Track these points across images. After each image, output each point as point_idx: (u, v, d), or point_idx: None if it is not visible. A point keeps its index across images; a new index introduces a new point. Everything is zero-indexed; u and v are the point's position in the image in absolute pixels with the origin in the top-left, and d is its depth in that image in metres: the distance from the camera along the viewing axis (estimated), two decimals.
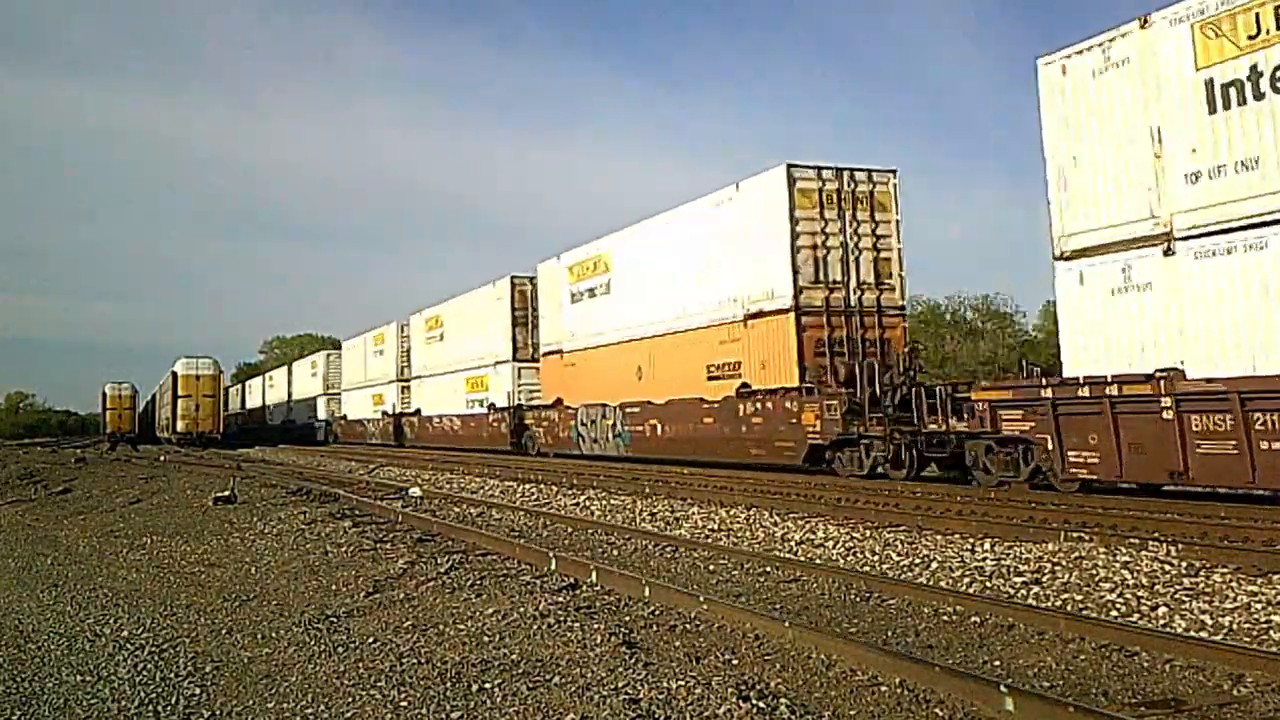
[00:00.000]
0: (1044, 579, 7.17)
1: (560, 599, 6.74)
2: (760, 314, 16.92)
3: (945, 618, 6.10)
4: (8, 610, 7.40)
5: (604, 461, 21.48)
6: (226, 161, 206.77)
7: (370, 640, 5.80)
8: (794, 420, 15.89)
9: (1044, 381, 11.50)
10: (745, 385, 17.24)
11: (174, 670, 5.40)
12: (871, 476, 14.55)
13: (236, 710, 4.66)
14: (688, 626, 5.96)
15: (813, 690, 4.64)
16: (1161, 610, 6.13)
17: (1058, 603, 6.51)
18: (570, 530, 10.97)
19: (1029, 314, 46.63)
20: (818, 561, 8.31)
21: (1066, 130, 11.43)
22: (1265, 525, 8.71)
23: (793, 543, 9.53)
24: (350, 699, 4.71)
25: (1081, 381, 10.90)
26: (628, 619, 6.20)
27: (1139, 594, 6.55)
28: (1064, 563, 7.62)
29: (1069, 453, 11.02)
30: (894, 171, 17.00)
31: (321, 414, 49.67)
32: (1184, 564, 7.34)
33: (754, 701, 4.29)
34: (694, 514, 11.90)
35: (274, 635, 6.10)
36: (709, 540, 9.76)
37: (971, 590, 6.94)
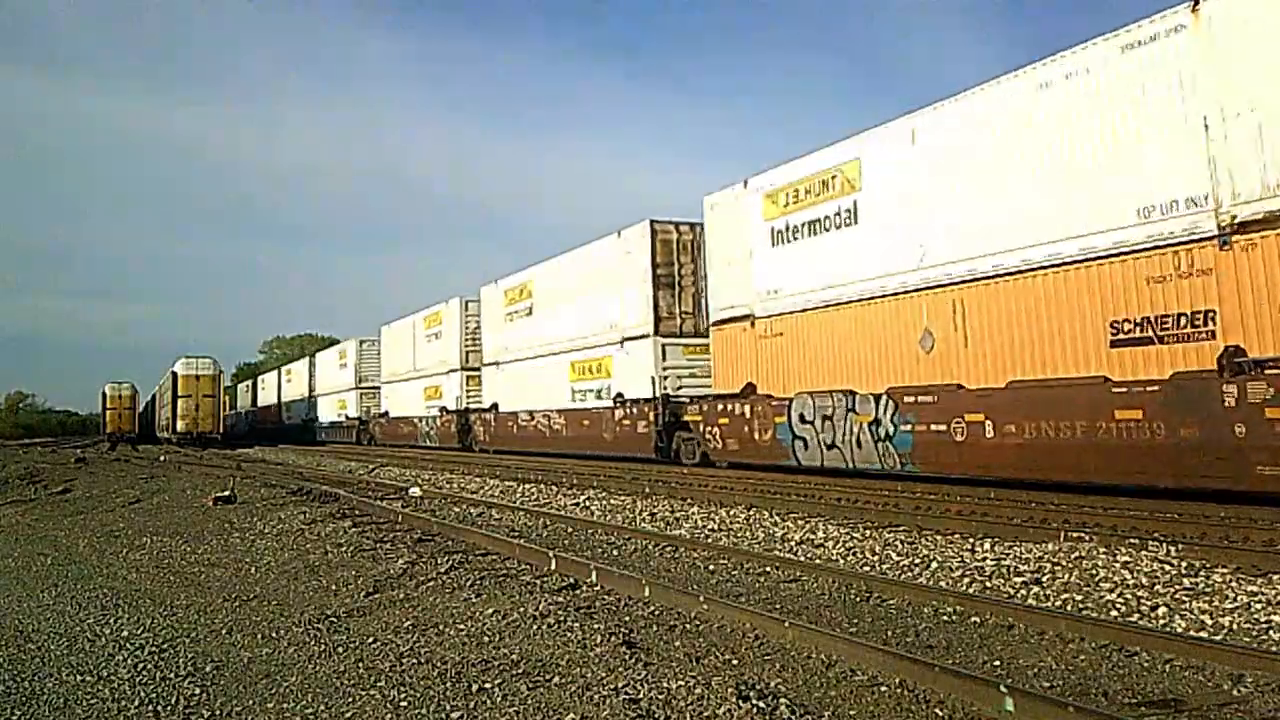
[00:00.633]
0: (1044, 579, 7.17)
1: (560, 599, 6.74)
2: None
3: (945, 618, 6.10)
4: (8, 610, 7.40)
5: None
6: (227, 161, 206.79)
7: (370, 640, 5.80)
8: None
9: None
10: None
11: (174, 670, 5.40)
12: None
13: (236, 710, 4.66)
14: (688, 626, 5.96)
15: (813, 690, 4.64)
16: (1161, 610, 6.13)
17: (1058, 603, 6.51)
18: (570, 530, 10.97)
19: None
20: (818, 561, 8.30)
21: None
22: (1265, 525, 8.71)
23: (793, 543, 9.53)
24: (350, 699, 4.71)
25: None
26: (628, 619, 6.20)
27: (1139, 594, 6.55)
28: (1064, 563, 7.62)
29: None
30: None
31: (353, 411, 43.30)
32: (1184, 564, 7.34)
33: (754, 701, 4.29)
34: (694, 514, 11.90)
35: (274, 635, 6.10)
36: (709, 540, 9.76)
37: (971, 590, 6.94)
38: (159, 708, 4.75)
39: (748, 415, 16.72)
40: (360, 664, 5.31)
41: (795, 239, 15.97)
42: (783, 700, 4.36)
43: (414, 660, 5.31)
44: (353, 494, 15.53)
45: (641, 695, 4.49)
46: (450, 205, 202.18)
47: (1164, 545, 7.97)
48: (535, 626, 5.91)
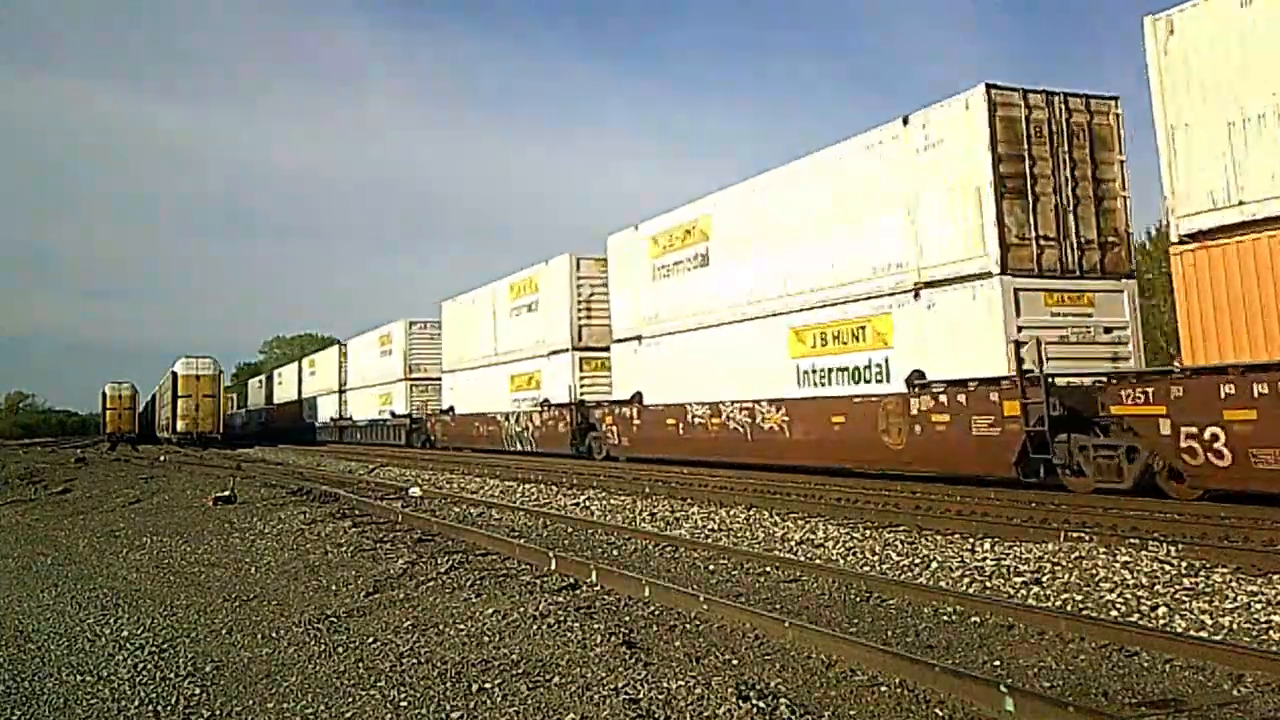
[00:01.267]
0: (1044, 579, 7.17)
1: (560, 599, 6.74)
2: None
3: (945, 618, 6.10)
4: (8, 610, 7.40)
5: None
6: (227, 162, 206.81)
7: (370, 640, 5.80)
8: None
9: None
10: None
11: (174, 670, 5.40)
12: None
13: (236, 710, 4.66)
14: (688, 626, 5.96)
15: (813, 690, 4.64)
16: (1161, 610, 6.13)
17: (1058, 603, 6.51)
18: (570, 530, 10.97)
19: None
20: (818, 561, 8.30)
21: None
22: (1265, 525, 8.71)
23: (793, 543, 9.53)
24: (350, 699, 4.71)
25: None
26: (628, 619, 6.20)
27: (1139, 594, 6.55)
28: (1064, 563, 7.62)
29: None
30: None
31: (400, 407, 36.71)
32: (1184, 564, 7.34)
33: (754, 701, 4.29)
34: (694, 514, 11.90)
35: (274, 635, 6.10)
36: (709, 540, 9.76)
37: (971, 590, 6.94)
38: (159, 708, 4.75)
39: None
40: (360, 664, 5.31)
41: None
42: (783, 700, 4.36)
43: (414, 660, 5.31)
44: (353, 494, 15.53)
45: (641, 695, 4.49)
46: (450, 205, 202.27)
47: (1164, 545, 7.97)
48: (535, 626, 5.91)
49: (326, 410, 48.71)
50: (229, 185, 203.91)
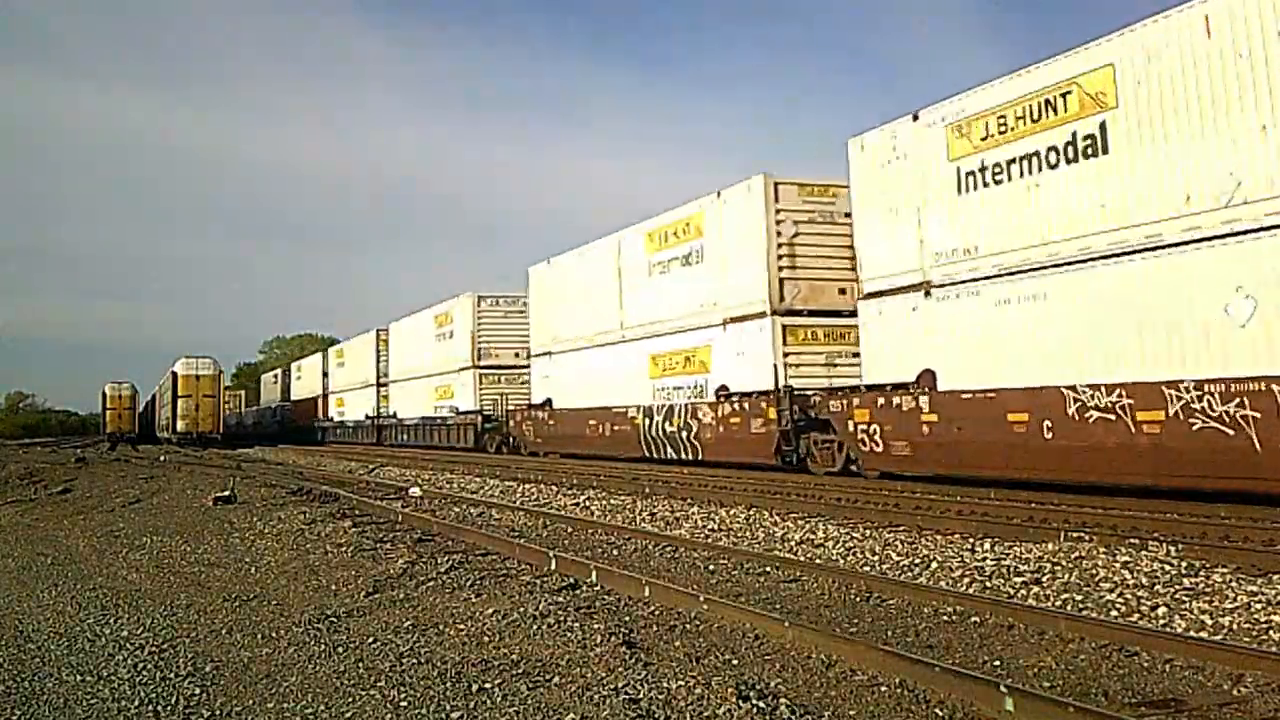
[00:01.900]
0: (1044, 579, 7.17)
1: (560, 599, 6.74)
2: None
3: (945, 618, 6.09)
4: (8, 610, 7.40)
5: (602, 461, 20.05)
6: (227, 161, 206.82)
7: (370, 640, 5.80)
8: None
9: None
10: None
11: (174, 670, 5.39)
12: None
13: (236, 710, 4.66)
14: (688, 626, 5.96)
15: (813, 690, 4.64)
16: (1161, 610, 6.12)
17: (1058, 603, 6.51)
18: (570, 530, 10.98)
19: None
20: (818, 561, 8.30)
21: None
22: (1265, 525, 8.71)
23: (793, 543, 9.53)
24: (350, 699, 4.70)
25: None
26: (628, 619, 6.20)
27: (1139, 594, 6.55)
28: (1064, 563, 7.62)
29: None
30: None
31: (467, 402, 30.22)
32: (1184, 564, 7.33)
33: (754, 701, 4.29)
34: (694, 514, 11.90)
35: (274, 635, 6.10)
36: (709, 540, 9.76)
37: (971, 590, 6.94)
38: (159, 708, 4.75)
39: None
40: (360, 664, 5.30)
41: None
42: (783, 700, 4.36)
43: (414, 660, 5.31)
44: (353, 494, 15.54)
45: (641, 695, 4.48)
46: (449, 205, 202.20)
47: (1164, 545, 7.97)
48: (535, 626, 5.91)
49: (359, 406, 42.25)
50: (229, 185, 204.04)
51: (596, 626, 5.78)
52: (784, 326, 16.54)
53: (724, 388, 17.87)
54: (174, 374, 49.67)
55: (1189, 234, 10.02)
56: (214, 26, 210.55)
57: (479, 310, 30.69)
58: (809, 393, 15.86)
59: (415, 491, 16.38)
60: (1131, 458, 10.58)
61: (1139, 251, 10.53)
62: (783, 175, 17.08)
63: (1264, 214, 9.43)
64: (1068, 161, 11.41)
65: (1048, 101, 11.66)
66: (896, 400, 13.67)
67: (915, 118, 13.73)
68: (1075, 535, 8.57)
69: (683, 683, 4.60)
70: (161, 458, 32.03)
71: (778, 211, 16.79)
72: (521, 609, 6.34)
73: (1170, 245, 10.20)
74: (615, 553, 9.25)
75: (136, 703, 4.84)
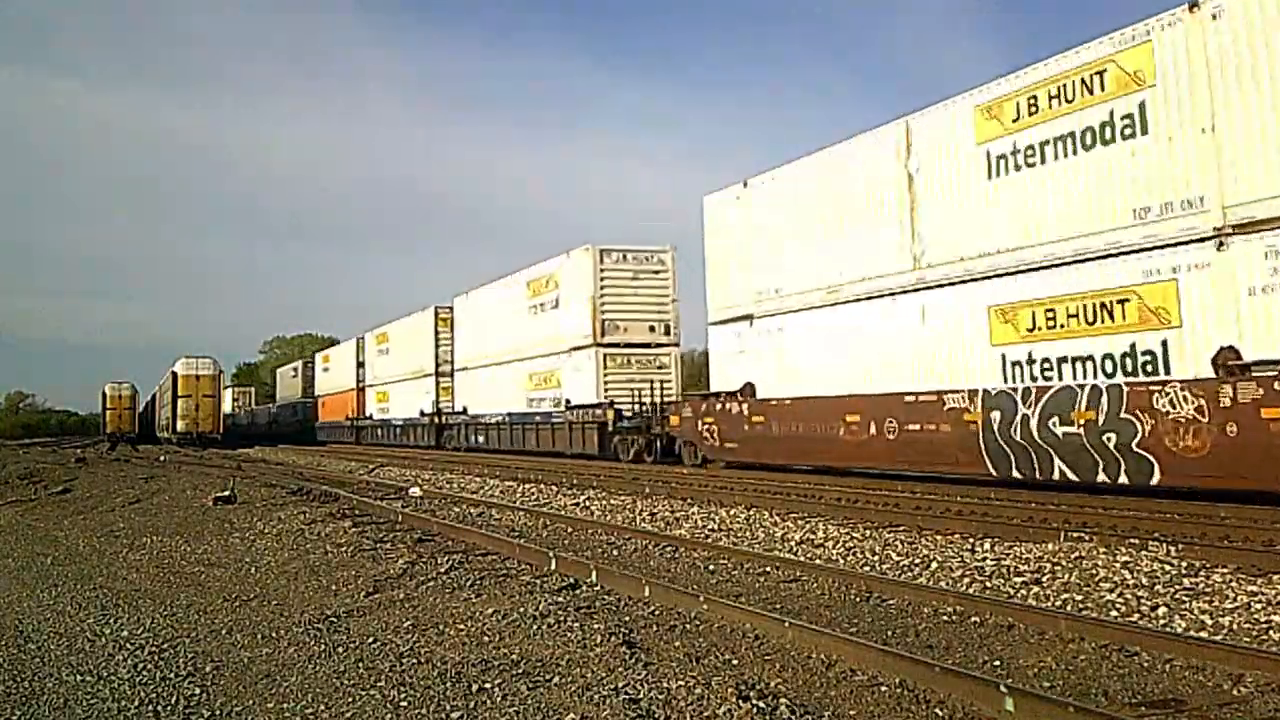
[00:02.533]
0: (1044, 579, 7.17)
1: (560, 599, 6.74)
2: None
3: (945, 618, 6.10)
4: (8, 610, 7.40)
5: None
6: (226, 161, 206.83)
7: (370, 640, 5.80)
8: None
9: None
10: None
11: (174, 670, 5.40)
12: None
13: (236, 710, 4.66)
14: (688, 626, 5.96)
15: (813, 690, 4.64)
16: (1161, 610, 6.13)
17: (1058, 603, 6.51)
18: (570, 530, 10.98)
19: None
20: (818, 561, 8.30)
21: None
22: (1265, 525, 8.72)
23: (793, 543, 9.53)
24: (350, 699, 4.70)
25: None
26: (628, 619, 6.20)
27: (1139, 594, 6.55)
28: (1064, 563, 7.62)
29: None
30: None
31: (582, 392, 23.03)
32: (1184, 564, 7.34)
33: (754, 701, 4.29)
34: (694, 514, 11.90)
35: (274, 635, 6.10)
36: (709, 540, 9.76)
37: (971, 590, 6.94)
38: (159, 708, 4.75)
39: None
40: (360, 664, 5.31)
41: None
42: (783, 700, 4.36)
43: (414, 660, 5.31)
44: (352, 494, 15.53)
45: (641, 695, 4.49)
46: (449, 205, 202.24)
47: (1164, 545, 7.97)
48: (535, 626, 5.91)
49: (409, 401, 34.95)
50: (229, 185, 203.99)
51: (596, 626, 5.78)
52: None
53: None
54: (174, 374, 49.68)
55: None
56: (214, 26, 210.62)
57: (601, 269, 22.76)
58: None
59: (415, 491, 16.38)
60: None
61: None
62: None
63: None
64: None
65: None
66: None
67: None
68: (1075, 535, 8.58)
69: (683, 683, 4.60)
70: (161, 458, 32.05)
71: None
72: (522, 609, 6.34)
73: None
74: (615, 553, 9.25)
75: (136, 703, 4.84)
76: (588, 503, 13.92)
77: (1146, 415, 10.22)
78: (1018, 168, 12.15)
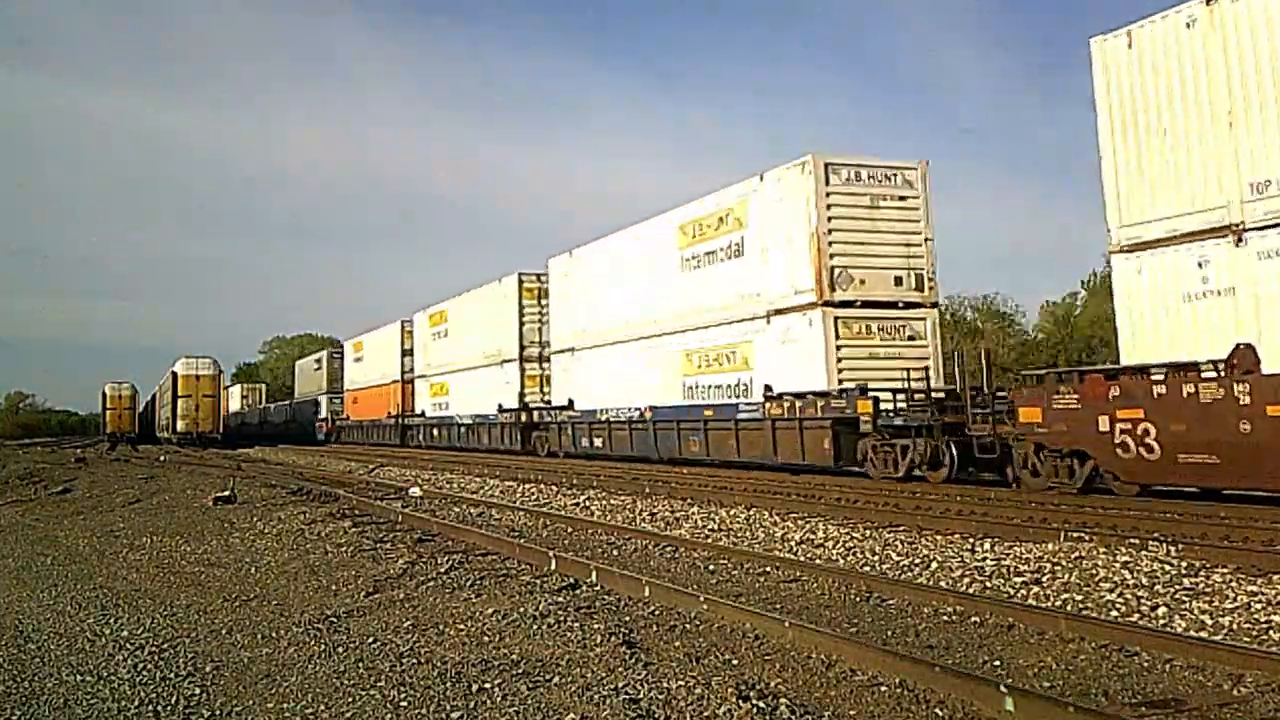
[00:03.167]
0: (1044, 579, 7.17)
1: (560, 599, 6.74)
2: None
3: (945, 618, 6.10)
4: (8, 610, 7.40)
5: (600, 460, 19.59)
6: (226, 162, 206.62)
7: (370, 640, 5.80)
8: None
9: None
10: None
11: (174, 670, 5.39)
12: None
13: (236, 710, 4.66)
14: (688, 626, 5.96)
15: (813, 690, 4.64)
16: (1161, 610, 6.13)
17: (1058, 603, 6.51)
18: (570, 530, 10.98)
19: (1029, 315, 46.35)
20: (818, 561, 8.30)
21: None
22: (1265, 525, 8.71)
23: (793, 543, 9.53)
24: (350, 699, 4.70)
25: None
26: (628, 619, 6.20)
27: (1139, 594, 6.55)
28: (1064, 563, 7.62)
29: None
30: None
31: (786, 375, 16.33)
32: (1184, 564, 7.34)
33: (754, 701, 4.29)
34: (694, 514, 11.90)
35: (274, 635, 6.10)
36: (709, 540, 9.76)
37: (971, 590, 6.94)
38: (159, 708, 4.75)
39: None
40: (360, 664, 5.30)
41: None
42: (783, 700, 4.36)
43: (414, 660, 5.31)
44: (352, 494, 15.54)
45: (641, 695, 4.48)
46: (448, 205, 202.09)
47: (1164, 545, 7.97)
48: (535, 626, 5.91)
49: (480, 395, 28.18)
50: (229, 185, 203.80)
51: (596, 626, 5.78)
52: None
53: None
54: (174, 374, 49.67)
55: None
56: (214, 26, 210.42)
57: (828, 193, 16.02)
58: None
59: (415, 492, 16.38)
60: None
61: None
62: None
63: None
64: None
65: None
66: None
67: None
68: (1075, 535, 8.58)
69: (683, 683, 4.60)
70: (161, 458, 32.04)
71: None
72: (521, 609, 6.34)
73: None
74: (615, 553, 9.25)
75: (136, 703, 4.84)
76: (588, 503, 13.92)
77: None
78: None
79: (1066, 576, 7.18)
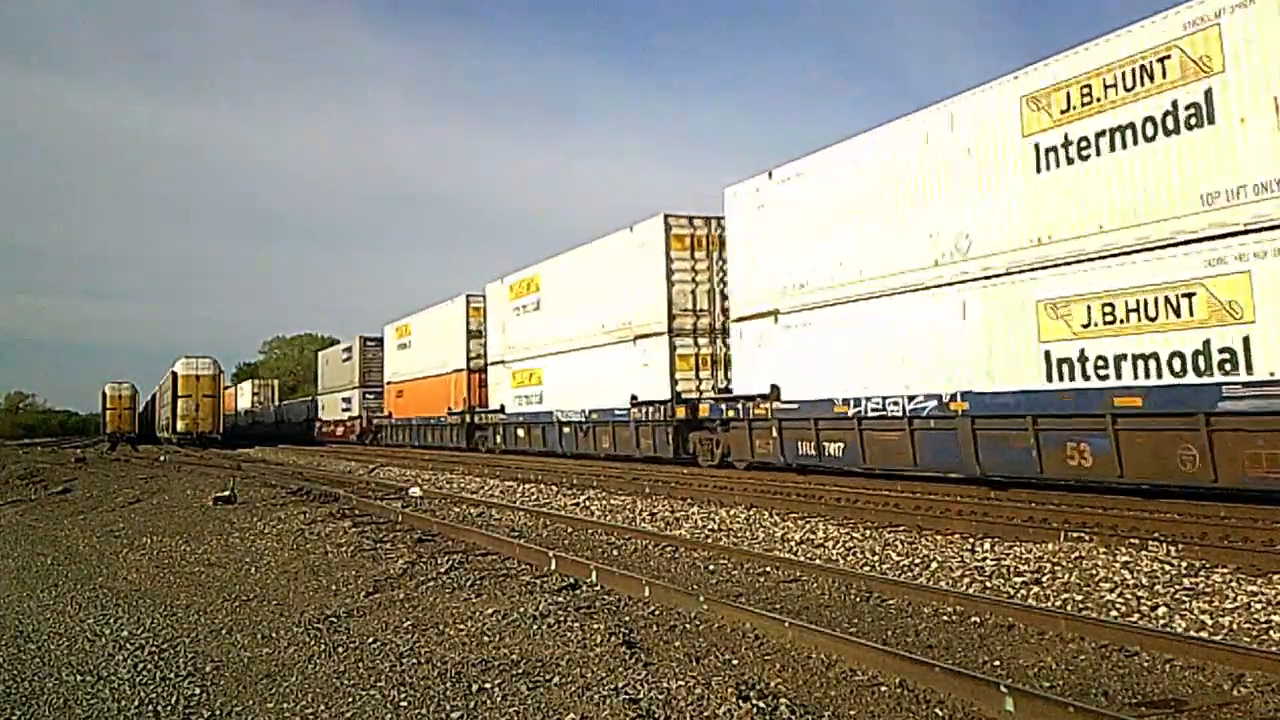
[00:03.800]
0: (1044, 579, 7.17)
1: (560, 599, 6.74)
2: None
3: (945, 618, 6.09)
4: (8, 610, 7.40)
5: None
6: (226, 162, 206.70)
7: (370, 640, 5.80)
8: None
9: None
10: None
11: (174, 670, 5.39)
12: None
13: (236, 710, 4.66)
14: (688, 626, 5.96)
15: (813, 690, 4.64)
16: (1161, 610, 6.13)
17: (1058, 603, 6.51)
18: (570, 530, 10.97)
19: None
20: (818, 561, 8.30)
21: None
22: (1265, 525, 8.71)
23: (793, 543, 9.53)
24: (350, 699, 4.70)
25: None
26: (628, 619, 6.20)
27: (1139, 594, 6.55)
28: (1064, 563, 7.62)
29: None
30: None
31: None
32: (1184, 564, 7.34)
33: (754, 701, 4.29)
34: (694, 514, 11.90)
35: (274, 635, 6.10)
36: (709, 540, 9.76)
37: (971, 590, 6.94)
38: (159, 708, 4.75)
39: None
40: (360, 664, 5.30)
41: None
42: (783, 700, 4.36)
43: (414, 660, 5.31)
44: (352, 494, 15.53)
45: (641, 695, 4.48)
46: (449, 205, 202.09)
47: (1164, 545, 7.97)
48: (535, 626, 5.91)
49: (601, 384, 20.93)
50: (229, 185, 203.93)
51: (596, 626, 5.78)
52: None
53: None
54: (174, 374, 49.63)
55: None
56: (214, 26, 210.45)
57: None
58: None
59: (415, 492, 16.37)
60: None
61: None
62: None
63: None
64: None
65: None
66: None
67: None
68: (1075, 535, 8.58)
69: (683, 683, 4.60)
70: (161, 458, 32.03)
71: None
72: (521, 609, 6.34)
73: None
74: (615, 553, 9.24)
75: (136, 703, 4.84)
76: (588, 503, 13.91)
77: None
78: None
79: (1066, 576, 7.18)
